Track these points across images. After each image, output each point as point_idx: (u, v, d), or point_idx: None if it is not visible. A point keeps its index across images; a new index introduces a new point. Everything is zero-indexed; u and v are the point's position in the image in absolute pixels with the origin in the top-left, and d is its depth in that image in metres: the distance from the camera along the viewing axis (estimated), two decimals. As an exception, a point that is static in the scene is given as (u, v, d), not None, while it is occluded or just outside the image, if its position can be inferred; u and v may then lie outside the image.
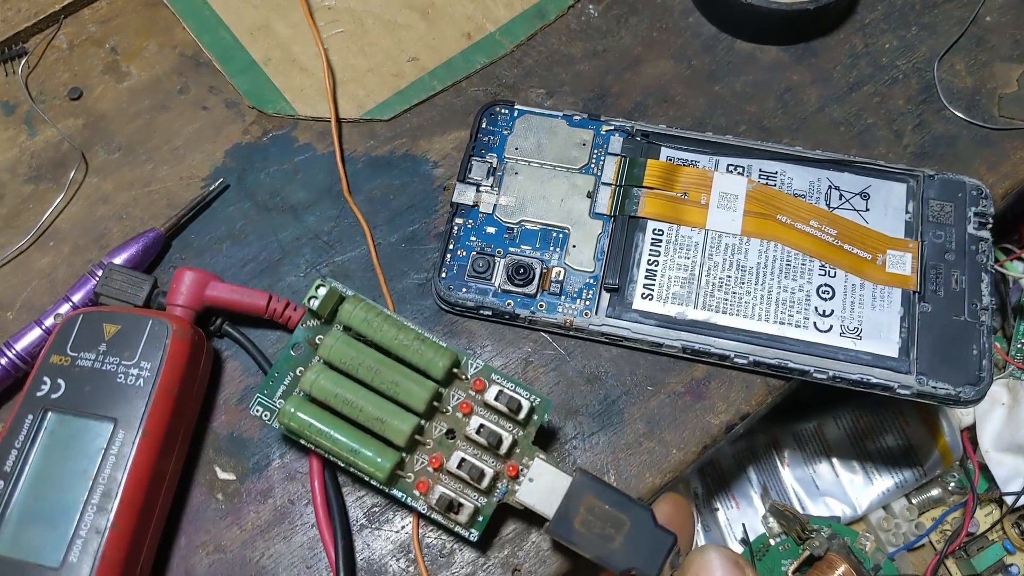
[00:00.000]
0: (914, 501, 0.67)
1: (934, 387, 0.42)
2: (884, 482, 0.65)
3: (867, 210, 0.46)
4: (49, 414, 0.39)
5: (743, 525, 0.63)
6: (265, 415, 0.41)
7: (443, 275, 0.45)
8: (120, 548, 0.37)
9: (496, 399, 0.39)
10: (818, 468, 0.66)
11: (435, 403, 0.39)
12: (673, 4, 0.54)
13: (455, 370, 0.40)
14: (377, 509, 0.42)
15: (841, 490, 0.65)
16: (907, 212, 0.46)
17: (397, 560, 0.41)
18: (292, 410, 0.39)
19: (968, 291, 0.44)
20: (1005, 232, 0.71)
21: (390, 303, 0.45)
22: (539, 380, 0.44)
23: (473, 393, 0.40)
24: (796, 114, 0.50)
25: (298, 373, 0.41)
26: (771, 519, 0.61)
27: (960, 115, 0.50)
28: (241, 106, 0.50)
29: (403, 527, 0.42)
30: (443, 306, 0.45)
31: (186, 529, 0.42)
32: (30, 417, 0.39)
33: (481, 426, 0.39)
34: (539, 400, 0.40)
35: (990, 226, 0.45)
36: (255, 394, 0.41)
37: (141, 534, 0.39)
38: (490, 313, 0.44)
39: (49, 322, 0.44)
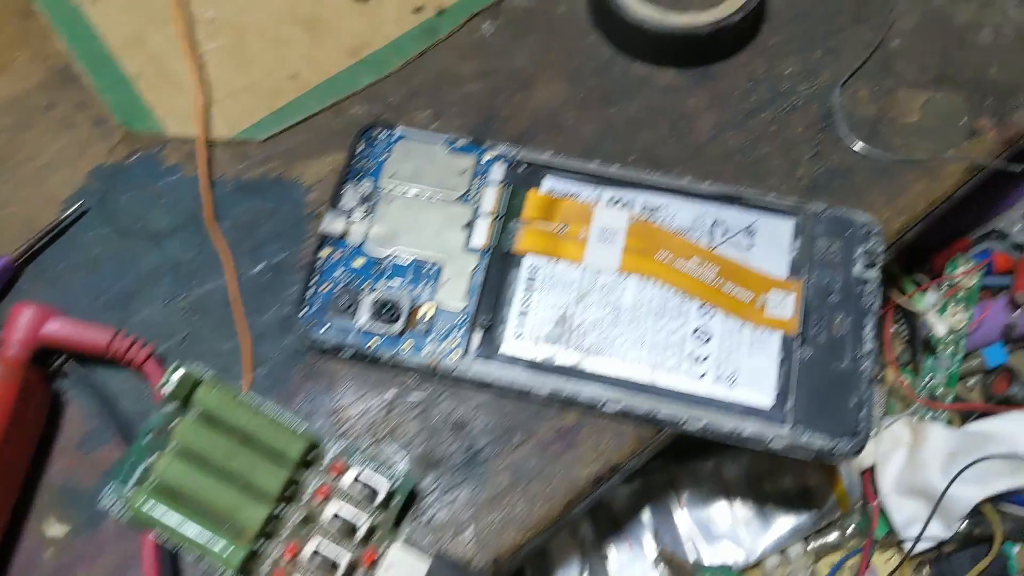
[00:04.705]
0: (811, 546, 0.65)
1: (809, 440, 0.40)
2: (781, 526, 0.63)
3: (751, 248, 0.44)
4: None
5: (634, 573, 0.62)
6: (116, 506, 0.38)
7: (303, 312, 0.42)
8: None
9: (354, 482, 0.38)
10: (715, 510, 0.64)
11: (291, 489, 0.39)
12: (571, 23, 0.51)
13: (313, 452, 0.40)
14: None
15: (736, 534, 0.63)
16: (793, 250, 0.44)
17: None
18: (142, 500, 0.37)
19: (851, 336, 0.42)
20: (917, 263, 0.70)
21: (246, 340, 0.43)
22: (402, 428, 0.42)
23: (331, 477, 0.39)
24: (689, 142, 0.48)
25: (152, 460, 0.39)
26: (661, 566, 0.60)
27: (859, 145, 0.48)
28: (109, 124, 0.48)
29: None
30: (303, 345, 0.43)
31: (8, 589, 0.40)
32: None
33: (337, 512, 0.38)
34: (399, 482, 0.39)
35: (878, 265, 0.43)
36: (107, 479, 0.38)
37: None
38: (352, 353, 0.42)
39: None
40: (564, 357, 0.42)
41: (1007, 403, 0.68)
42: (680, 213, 0.44)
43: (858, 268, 0.43)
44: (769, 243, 0.44)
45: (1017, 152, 0.51)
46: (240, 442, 0.39)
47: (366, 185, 0.45)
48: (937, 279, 0.67)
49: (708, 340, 0.42)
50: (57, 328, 0.41)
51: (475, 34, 0.51)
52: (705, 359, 0.41)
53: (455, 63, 0.50)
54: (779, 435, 0.40)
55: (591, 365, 0.41)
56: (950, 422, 0.66)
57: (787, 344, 0.42)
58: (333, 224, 0.44)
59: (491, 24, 0.51)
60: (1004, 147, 0.49)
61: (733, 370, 0.41)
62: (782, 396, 0.41)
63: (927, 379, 0.66)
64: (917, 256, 0.70)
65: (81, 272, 0.45)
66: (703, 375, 0.41)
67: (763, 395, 0.41)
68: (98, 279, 0.44)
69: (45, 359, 0.42)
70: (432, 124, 0.48)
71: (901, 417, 0.63)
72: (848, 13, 0.52)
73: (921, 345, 0.67)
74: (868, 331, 0.42)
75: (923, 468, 0.60)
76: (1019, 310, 0.68)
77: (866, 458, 0.63)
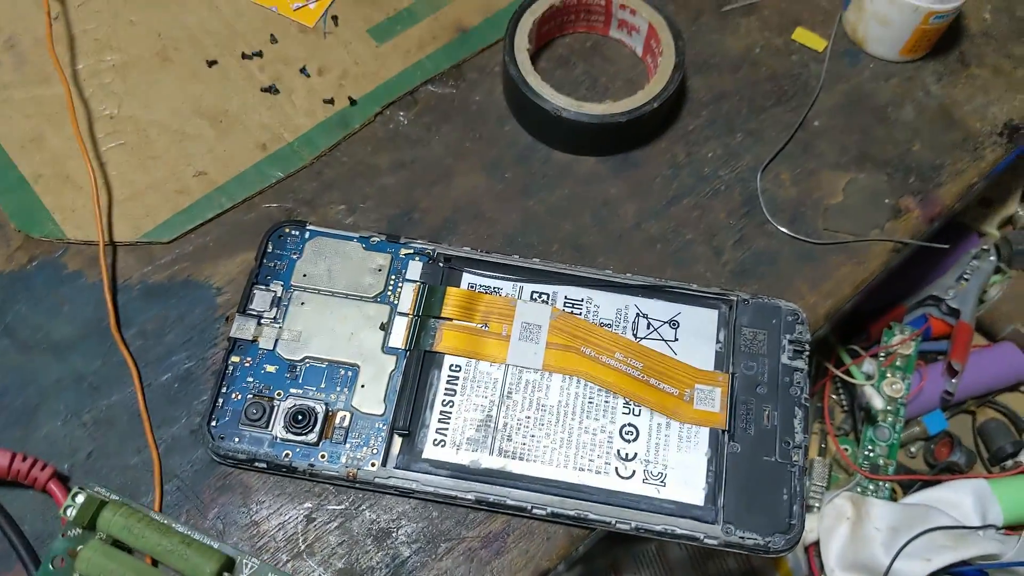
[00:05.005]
0: (758, 628, 0.64)
1: (742, 537, 0.39)
2: (726, 609, 0.62)
3: (676, 340, 0.43)
4: None
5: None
6: None
7: (214, 423, 0.40)
8: None
9: None
10: (659, 594, 0.62)
11: None
12: (488, 111, 0.51)
13: (227, 572, 0.38)
14: None
15: (682, 619, 0.62)
16: (718, 341, 0.43)
17: None
18: None
19: (780, 428, 0.41)
20: (854, 332, 0.70)
21: (155, 455, 0.41)
22: (321, 540, 0.40)
23: None
24: (612, 231, 0.47)
25: None
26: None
27: (783, 229, 0.48)
28: (6, 229, 0.46)
29: None
30: (215, 457, 0.41)
31: None
32: None
33: None
34: None
35: (806, 354, 0.43)
36: None
37: None
38: (266, 465, 0.40)
39: None
40: (489, 461, 0.40)
41: (949, 470, 0.68)
42: (603, 305, 0.43)
43: (785, 358, 0.42)
44: (694, 334, 0.43)
45: (943, 226, 0.51)
46: (150, 565, 0.37)
47: (277, 287, 0.43)
48: (874, 350, 0.67)
49: (635, 438, 0.40)
50: (-49, 452, 0.38)
51: (389, 124, 0.50)
52: (633, 457, 0.40)
53: (370, 155, 0.49)
54: (711, 534, 0.39)
55: (517, 468, 0.40)
56: (893, 491, 0.66)
57: (716, 439, 0.41)
58: (243, 329, 0.42)
59: (405, 114, 0.50)
60: (929, 224, 0.49)
61: (662, 468, 0.40)
62: (712, 493, 0.39)
63: (868, 449, 0.65)
64: (853, 325, 0.70)
65: (-22, 388, 0.42)
66: (632, 474, 0.40)
67: (693, 493, 0.39)
68: (-3, 395, 0.42)
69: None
70: (347, 219, 0.47)
71: (843, 491, 0.62)
72: (768, 94, 0.52)
73: (861, 414, 0.67)
74: (798, 422, 0.41)
75: (867, 544, 0.59)
76: (957, 376, 0.68)
77: (810, 534, 0.62)
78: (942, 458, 0.67)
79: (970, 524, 0.59)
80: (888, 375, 0.66)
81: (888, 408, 0.65)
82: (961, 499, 0.61)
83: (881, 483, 0.65)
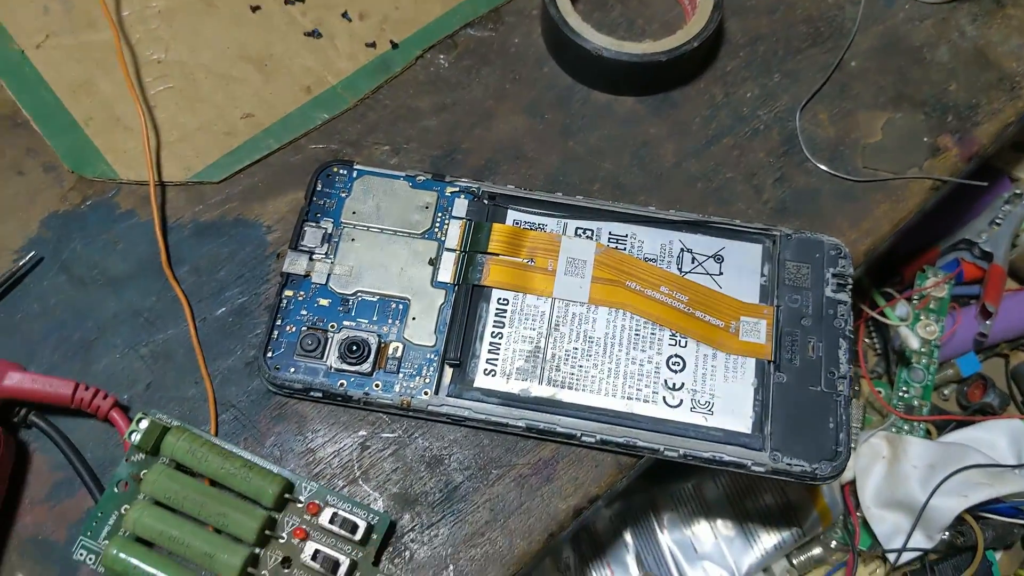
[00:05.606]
0: (795, 562, 0.65)
1: (789, 464, 0.39)
2: (764, 543, 0.63)
3: (720, 274, 0.43)
4: None
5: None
6: (90, 559, 0.38)
7: (269, 354, 0.41)
8: None
9: (331, 522, 0.38)
10: (696, 530, 0.63)
11: (268, 531, 0.38)
12: (527, 53, 0.51)
13: (288, 495, 0.39)
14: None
15: (720, 553, 0.62)
16: (762, 275, 0.43)
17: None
18: (116, 552, 0.37)
19: (825, 359, 0.42)
20: (887, 275, 0.70)
21: (209, 387, 0.42)
22: (376, 467, 0.41)
23: (308, 517, 0.38)
24: (652, 170, 0.48)
25: (123, 511, 0.38)
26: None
27: (822, 167, 0.48)
28: (60, 170, 0.47)
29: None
30: (271, 387, 0.42)
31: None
32: None
33: (316, 552, 0.37)
34: (377, 518, 0.38)
35: (849, 287, 0.43)
36: (78, 536, 0.38)
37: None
38: (321, 395, 0.41)
39: None
40: (538, 390, 0.41)
41: (982, 412, 0.68)
42: (647, 241, 0.44)
43: (829, 291, 0.43)
44: (739, 268, 0.43)
45: (980, 165, 0.51)
46: (212, 487, 0.38)
47: (327, 224, 0.44)
48: (908, 292, 0.67)
49: (682, 369, 0.41)
50: (17, 381, 0.39)
51: (430, 68, 0.50)
52: (680, 387, 0.41)
53: (412, 97, 0.50)
54: (758, 461, 0.39)
55: (566, 397, 0.41)
56: (928, 432, 0.66)
57: (762, 369, 0.41)
58: (295, 264, 0.43)
59: (446, 57, 0.51)
60: (966, 163, 0.49)
61: (709, 397, 0.41)
62: (759, 422, 0.40)
63: (902, 391, 0.66)
64: (887, 267, 0.70)
65: (39, 322, 0.43)
66: (679, 403, 0.41)
67: (740, 421, 0.40)
68: (57, 328, 0.43)
69: (6, 412, 0.40)
70: (391, 159, 0.48)
71: (879, 431, 0.63)
72: (804, 36, 0.52)
73: (895, 357, 0.67)
74: (843, 353, 0.42)
75: (903, 481, 0.60)
76: (990, 319, 0.68)
77: (846, 472, 0.63)
78: (975, 399, 0.68)
79: (1006, 463, 0.60)
80: (922, 317, 0.67)
81: (922, 350, 0.66)
82: (996, 439, 0.61)
83: (916, 424, 0.65)
